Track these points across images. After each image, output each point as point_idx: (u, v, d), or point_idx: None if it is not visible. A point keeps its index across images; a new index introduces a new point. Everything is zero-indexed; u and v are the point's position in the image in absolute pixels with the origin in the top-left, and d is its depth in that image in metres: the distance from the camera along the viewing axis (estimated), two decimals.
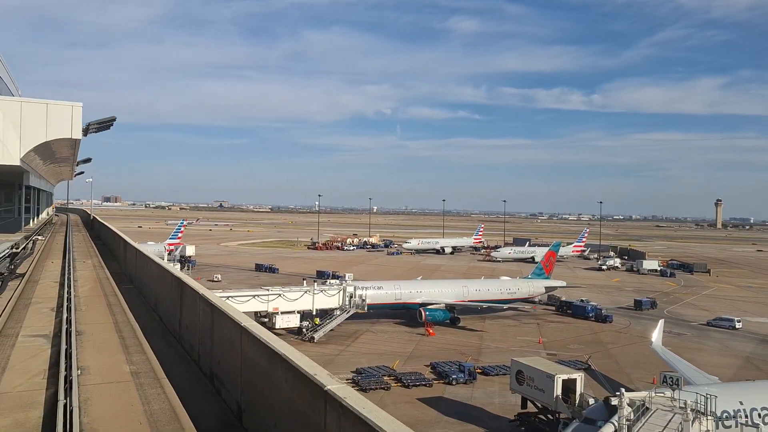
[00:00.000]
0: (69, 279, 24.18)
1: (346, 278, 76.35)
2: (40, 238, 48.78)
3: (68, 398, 10.43)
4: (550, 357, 64.34)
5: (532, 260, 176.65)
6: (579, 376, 40.61)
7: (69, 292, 20.93)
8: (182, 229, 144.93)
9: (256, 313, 67.09)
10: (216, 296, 14.08)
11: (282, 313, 69.20)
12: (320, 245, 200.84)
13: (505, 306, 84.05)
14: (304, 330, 70.78)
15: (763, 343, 75.50)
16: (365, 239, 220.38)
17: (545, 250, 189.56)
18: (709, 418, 31.30)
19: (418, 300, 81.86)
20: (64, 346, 14.15)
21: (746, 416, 34.81)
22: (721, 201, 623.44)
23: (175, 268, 19.21)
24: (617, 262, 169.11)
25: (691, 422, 30.16)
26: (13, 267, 28.65)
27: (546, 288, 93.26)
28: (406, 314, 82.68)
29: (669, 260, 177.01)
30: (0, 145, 28.11)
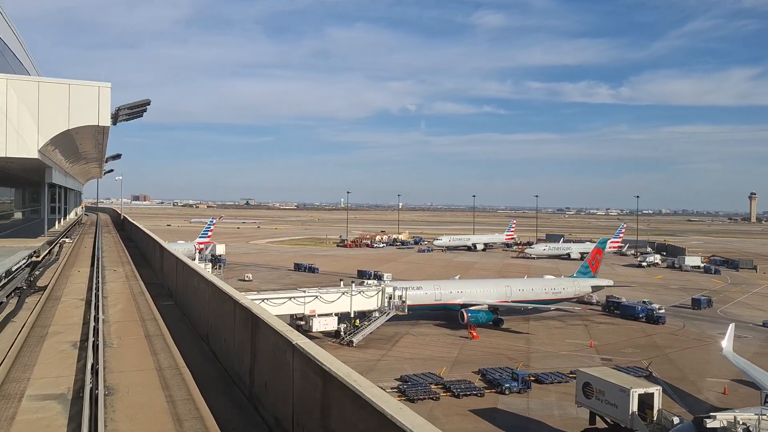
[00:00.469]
0: (97, 296, 19.90)
1: (384, 278, 72.91)
2: (67, 240, 45.73)
3: None
4: (605, 362, 60.38)
5: (567, 257, 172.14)
6: (657, 390, 36.70)
7: (97, 317, 16.65)
8: (212, 227, 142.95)
9: (291, 315, 64.15)
10: (329, 356, 8.76)
11: (319, 315, 66.11)
12: (349, 243, 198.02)
13: (552, 307, 79.89)
14: (342, 333, 67.64)
15: None
16: (394, 236, 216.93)
17: (581, 246, 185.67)
18: None
19: (459, 300, 78.21)
20: (86, 419, 9.42)
21: None
22: (755, 194, 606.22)
23: (241, 295, 13.28)
24: (657, 258, 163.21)
25: None
26: (32, 279, 24.73)
27: (593, 287, 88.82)
28: (445, 315, 79.13)
29: (710, 256, 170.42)
30: (14, 134, 24.14)
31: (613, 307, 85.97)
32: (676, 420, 33.31)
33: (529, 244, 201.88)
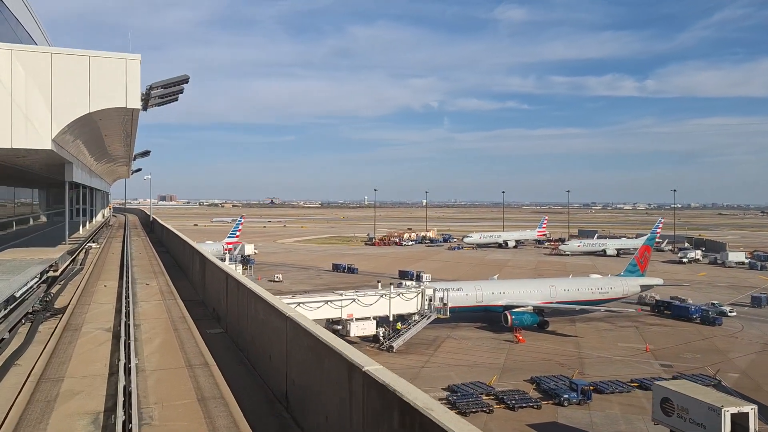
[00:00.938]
0: (128, 325, 15.53)
1: (424, 279, 69.40)
2: (93, 245, 42.51)
3: None
4: (665, 369, 56.23)
5: (603, 253, 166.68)
6: (752, 410, 32.60)
7: (128, 365, 12.02)
8: (240, 227, 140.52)
9: (327, 320, 60.91)
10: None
11: (356, 319, 62.79)
12: (377, 241, 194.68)
13: (602, 308, 75.51)
14: (381, 338, 64.27)
15: None
16: (423, 234, 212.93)
17: (617, 242, 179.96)
18: None
19: (501, 302, 74.34)
20: None
21: None
22: None
23: (343, 344, 9.16)
24: (698, 254, 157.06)
25: None
26: (49, 299, 20.42)
27: (642, 287, 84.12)
28: (485, 317, 75.36)
29: (753, 251, 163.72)
30: (22, 119, 19.67)
31: (663, 308, 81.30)
32: None
33: (561, 240, 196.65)
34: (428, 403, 6.47)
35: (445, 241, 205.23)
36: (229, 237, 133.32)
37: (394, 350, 62.07)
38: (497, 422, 43.24)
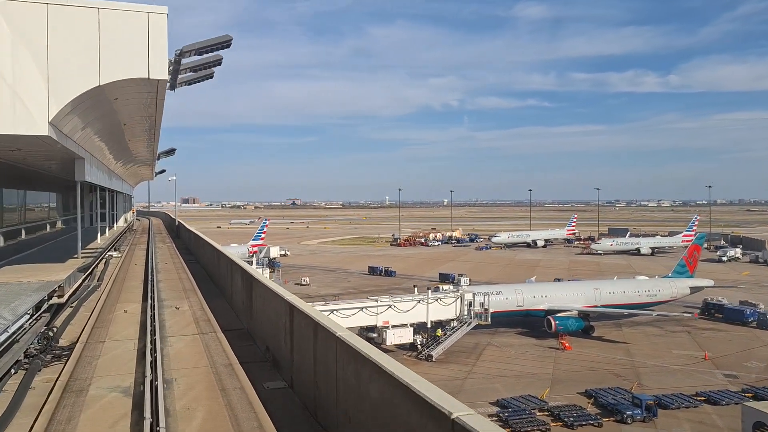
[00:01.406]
0: (155, 386, 10.48)
1: (462, 282, 65.68)
2: (114, 254, 38.52)
3: None
4: (730, 381, 51.87)
5: (637, 252, 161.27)
6: None
7: None
8: (265, 229, 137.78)
9: (361, 327, 57.34)
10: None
11: (393, 327, 59.26)
12: (402, 241, 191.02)
13: (654, 312, 70.99)
14: (419, 346, 60.68)
15: None
16: (448, 234, 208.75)
17: (651, 240, 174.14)
18: None
19: (543, 306, 70.29)
20: None
21: None
22: None
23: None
24: (738, 252, 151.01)
25: None
26: (51, 336, 15.73)
27: (691, 288, 79.31)
28: (523, 321, 71.37)
29: None
30: (8, 94, 14.72)
31: (714, 311, 76.53)
32: None
33: (591, 239, 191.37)
34: None
35: (471, 241, 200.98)
36: (254, 239, 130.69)
37: (434, 359, 58.47)
38: None
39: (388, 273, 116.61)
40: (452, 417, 6.05)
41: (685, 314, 72.27)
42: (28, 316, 15.45)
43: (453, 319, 62.94)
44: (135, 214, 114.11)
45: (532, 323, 71.26)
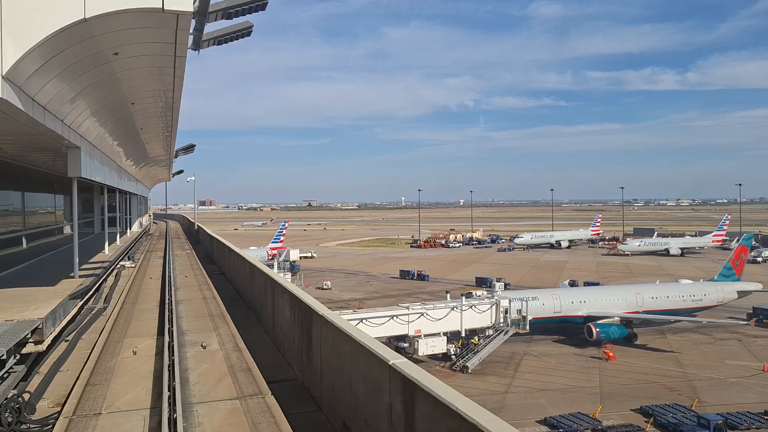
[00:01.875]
0: None
1: (496, 288, 61.78)
2: (127, 264, 33.92)
3: None
4: None
5: (666, 253, 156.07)
6: None
7: None
8: (284, 231, 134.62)
9: (389, 337, 53.57)
10: None
11: (425, 336, 55.56)
12: (423, 243, 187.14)
13: (705, 320, 66.50)
14: (453, 356, 56.93)
15: None
16: (469, 235, 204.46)
17: (680, 241, 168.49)
18: None
19: (581, 312, 66.24)
20: None
21: None
22: None
23: None
24: None
25: None
26: (23, 401, 10.60)
27: (739, 293, 74.59)
28: (559, 328, 67.32)
29: None
30: None
31: (764, 317, 71.84)
32: None
33: (616, 239, 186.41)
34: None
35: (492, 242, 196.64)
36: (273, 242, 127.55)
37: (469, 371, 54.70)
38: None
39: (421, 277, 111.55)
40: None
41: (739, 321, 67.69)
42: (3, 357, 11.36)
43: (488, 327, 59.09)
44: (152, 217, 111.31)
45: (567, 330, 67.32)
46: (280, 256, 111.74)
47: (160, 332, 16.82)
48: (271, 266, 74.59)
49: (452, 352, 57.32)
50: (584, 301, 66.90)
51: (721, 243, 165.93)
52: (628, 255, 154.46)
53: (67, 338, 16.72)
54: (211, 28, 15.61)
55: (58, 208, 39.20)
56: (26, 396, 11.29)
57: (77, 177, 22.48)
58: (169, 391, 10.31)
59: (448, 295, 61.92)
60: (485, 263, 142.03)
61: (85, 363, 13.95)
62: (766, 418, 41.77)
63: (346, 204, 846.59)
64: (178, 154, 46.38)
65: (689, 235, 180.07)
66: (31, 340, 13.58)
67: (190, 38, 14.78)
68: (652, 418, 41.85)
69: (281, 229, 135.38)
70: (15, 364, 12.36)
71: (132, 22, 12.41)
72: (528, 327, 59.01)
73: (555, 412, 43.63)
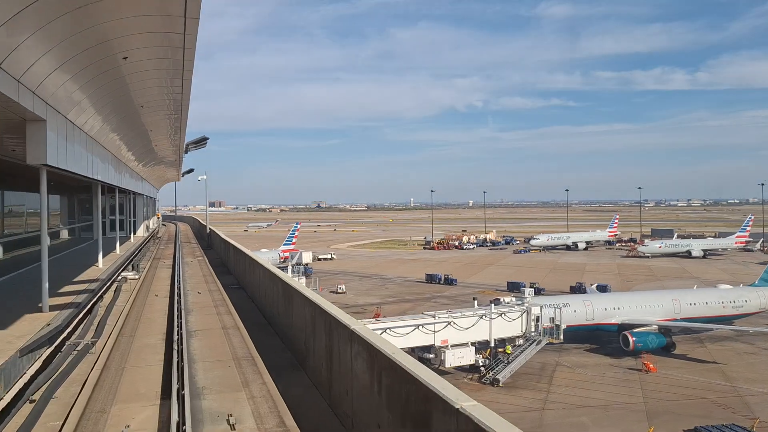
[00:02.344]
0: None
1: (526, 294, 57.88)
2: (130, 275, 29.26)
3: None
4: None
5: (688, 255, 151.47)
6: None
7: None
8: (296, 233, 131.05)
9: (413, 348, 49.68)
10: None
11: (452, 346, 51.78)
12: (436, 244, 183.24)
13: (751, 329, 62.23)
14: (482, 367, 53.15)
15: None
16: (482, 236, 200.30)
17: (702, 242, 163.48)
18: None
19: (615, 320, 62.31)
20: None
21: None
22: None
23: None
24: None
25: None
26: None
27: None
28: (589, 336, 63.32)
29: None
30: None
31: None
32: None
33: (633, 240, 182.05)
34: None
35: (507, 243, 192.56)
36: (285, 244, 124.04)
37: (500, 384, 50.92)
38: None
39: (449, 281, 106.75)
40: None
41: None
42: None
43: (518, 336, 55.31)
44: (161, 219, 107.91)
45: (599, 338, 63.43)
46: (292, 258, 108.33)
47: (166, 391, 12.05)
48: (284, 269, 70.52)
49: (480, 363, 53.58)
50: (618, 308, 62.94)
51: (744, 244, 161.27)
52: (648, 257, 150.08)
53: (33, 397, 11.90)
54: None
55: (53, 211, 34.13)
56: None
57: (42, 165, 17.05)
58: None
59: (476, 302, 58.06)
60: (502, 265, 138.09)
61: None
62: None
63: (355, 205, 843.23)
64: (188, 148, 41.88)
65: (710, 237, 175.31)
66: None
67: None
68: None
69: (293, 230, 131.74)
70: None
71: None
72: (562, 336, 55.15)
73: None
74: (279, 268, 28.41)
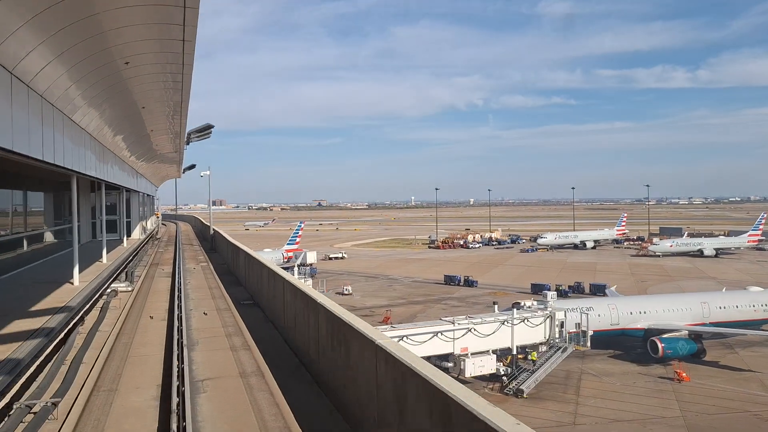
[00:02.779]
0: None
1: (548, 298, 54.44)
2: (122, 287, 24.49)
3: None
4: None
5: (700, 254, 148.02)
6: None
7: None
8: (300, 232, 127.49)
9: (431, 356, 46.26)
10: None
11: (472, 354, 48.37)
12: (440, 243, 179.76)
13: None
14: (504, 376, 49.74)
15: None
16: (488, 235, 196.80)
17: (714, 241, 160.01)
18: None
19: (641, 324, 58.90)
20: None
21: None
22: None
23: None
24: None
25: None
26: None
27: None
28: (613, 341, 59.87)
29: None
30: None
31: None
32: None
33: (641, 239, 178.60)
34: None
35: (513, 242, 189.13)
36: (288, 244, 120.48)
37: (525, 395, 47.51)
38: None
39: (469, 283, 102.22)
40: None
41: None
42: None
43: (541, 343, 51.91)
44: (160, 218, 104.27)
45: (621, 343, 59.98)
46: (297, 259, 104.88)
47: None
48: (288, 269, 66.92)
49: (501, 372, 50.15)
50: (644, 312, 59.51)
51: (757, 243, 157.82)
52: (659, 256, 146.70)
53: None
54: None
55: (34, 209, 28.60)
56: None
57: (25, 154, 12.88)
58: None
59: (496, 306, 54.56)
60: (510, 265, 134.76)
61: None
62: None
63: (356, 203, 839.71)
64: (190, 138, 37.16)
65: (721, 235, 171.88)
66: None
67: None
68: None
69: (297, 229, 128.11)
70: None
71: None
72: (589, 343, 51.69)
73: None
74: (283, 268, 24.79)
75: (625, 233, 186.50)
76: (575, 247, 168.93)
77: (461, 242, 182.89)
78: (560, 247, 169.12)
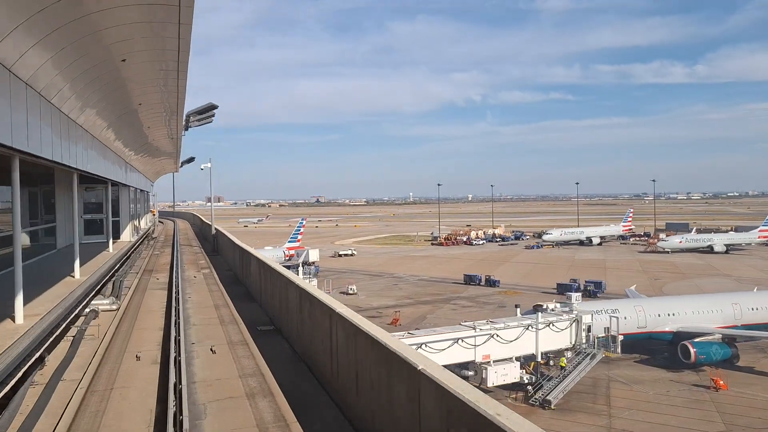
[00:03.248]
0: None
1: (573, 300, 50.77)
2: (103, 305, 19.60)
3: None
4: None
5: (710, 250, 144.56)
6: None
7: None
8: (302, 229, 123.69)
9: (452, 365, 42.62)
10: None
11: (495, 362, 44.71)
12: (443, 240, 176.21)
13: None
14: (529, 385, 46.14)
15: None
16: (491, 231, 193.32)
17: (724, 237, 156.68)
18: None
19: (669, 327, 55.36)
20: None
21: None
22: None
23: None
24: None
25: None
26: None
27: None
28: (638, 345, 56.30)
29: None
30: None
31: None
32: None
33: (648, 235, 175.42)
34: None
35: (516, 238, 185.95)
36: (290, 242, 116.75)
37: (552, 406, 43.90)
38: None
39: (491, 283, 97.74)
40: None
41: None
42: None
43: (567, 349, 48.30)
44: (156, 216, 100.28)
45: (644, 346, 56.39)
46: (299, 257, 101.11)
47: None
48: (291, 268, 62.44)
49: (525, 380, 46.55)
50: (672, 314, 55.95)
51: (767, 239, 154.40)
52: (668, 252, 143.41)
53: None
54: None
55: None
56: None
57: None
58: None
59: (518, 310, 50.88)
60: (516, 262, 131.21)
61: None
62: None
63: (355, 200, 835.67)
64: (189, 121, 31.61)
65: (730, 231, 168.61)
66: None
67: None
68: None
69: (298, 227, 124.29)
70: None
71: None
72: (619, 349, 48.08)
73: None
74: (285, 267, 21.00)
75: (631, 229, 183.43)
76: (581, 243, 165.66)
77: (464, 239, 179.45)
78: (566, 243, 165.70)
